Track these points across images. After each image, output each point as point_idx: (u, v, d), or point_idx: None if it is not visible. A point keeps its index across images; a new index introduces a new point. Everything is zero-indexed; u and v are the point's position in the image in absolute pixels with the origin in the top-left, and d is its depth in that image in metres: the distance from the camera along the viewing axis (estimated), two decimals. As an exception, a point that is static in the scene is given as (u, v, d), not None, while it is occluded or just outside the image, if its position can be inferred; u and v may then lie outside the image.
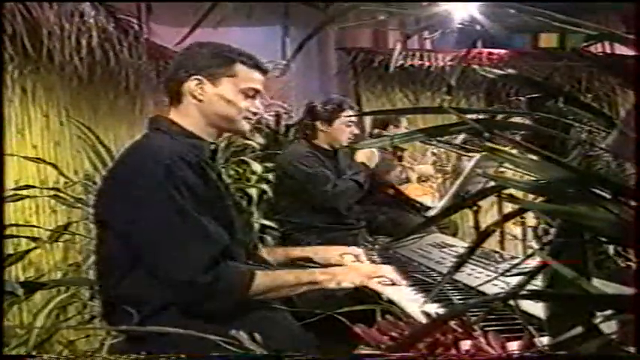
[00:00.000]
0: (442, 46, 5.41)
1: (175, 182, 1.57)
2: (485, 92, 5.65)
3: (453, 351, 0.73)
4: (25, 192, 2.69)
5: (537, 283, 0.67)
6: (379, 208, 3.69)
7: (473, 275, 1.74)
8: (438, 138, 3.00)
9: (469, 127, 0.68)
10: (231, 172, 3.53)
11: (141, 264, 1.61)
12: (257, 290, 1.65)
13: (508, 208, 2.66)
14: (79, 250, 3.01)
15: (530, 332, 0.75)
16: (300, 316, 1.74)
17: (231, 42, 1.85)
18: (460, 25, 1.01)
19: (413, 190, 3.95)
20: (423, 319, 0.98)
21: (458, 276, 1.69)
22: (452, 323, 0.76)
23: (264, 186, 3.51)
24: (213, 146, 1.81)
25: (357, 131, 3.33)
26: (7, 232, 2.57)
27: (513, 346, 0.77)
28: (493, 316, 1.19)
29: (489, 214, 3.74)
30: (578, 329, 0.59)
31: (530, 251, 2.57)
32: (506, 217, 0.83)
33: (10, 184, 2.74)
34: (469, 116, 0.74)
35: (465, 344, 0.75)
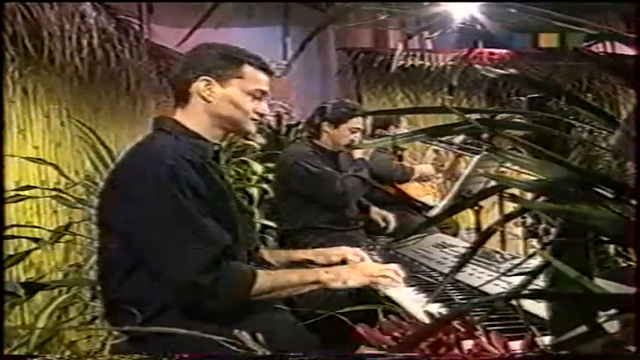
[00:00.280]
0: (443, 46, 5.41)
1: (179, 183, 1.57)
2: (485, 92, 5.65)
3: (456, 351, 0.73)
4: (26, 192, 2.69)
5: (539, 282, 0.67)
6: (380, 208, 3.69)
7: (474, 275, 1.74)
8: (439, 138, 3.00)
9: (471, 127, 0.68)
10: (232, 173, 3.52)
11: (143, 265, 1.61)
12: (260, 290, 1.64)
13: (509, 207, 2.66)
14: (79, 251, 3.01)
15: (532, 332, 0.75)
16: (302, 315, 1.74)
17: (231, 42, 1.85)
18: (461, 25, 1.01)
19: (414, 190, 3.95)
20: (426, 319, 0.98)
21: (459, 276, 1.69)
22: (454, 323, 0.76)
23: (265, 186, 3.51)
24: (216, 147, 1.81)
25: (360, 139, 3.31)
26: (9, 232, 2.57)
27: (516, 346, 0.77)
28: (495, 316, 1.19)
29: (490, 214, 3.74)
30: (582, 329, 0.59)
31: (531, 251, 2.57)
32: (508, 217, 0.83)
33: (11, 184, 2.75)
34: (470, 116, 0.74)
35: (468, 344, 0.75)
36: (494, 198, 2.75)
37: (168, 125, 1.76)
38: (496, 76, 0.79)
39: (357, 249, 2.20)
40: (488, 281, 1.57)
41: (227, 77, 1.76)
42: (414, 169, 3.98)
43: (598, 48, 0.84)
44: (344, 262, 2.08)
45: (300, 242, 3.00)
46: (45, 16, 2.89)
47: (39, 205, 2.97)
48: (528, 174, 0.67)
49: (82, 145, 3.18)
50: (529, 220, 2.15)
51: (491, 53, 5.37)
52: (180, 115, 1.78)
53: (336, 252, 2.16)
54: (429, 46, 5.52)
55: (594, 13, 0.78)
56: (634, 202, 0.62)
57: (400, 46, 4.05)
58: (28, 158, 2.86)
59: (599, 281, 0.64)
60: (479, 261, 1.92)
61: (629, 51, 0.72)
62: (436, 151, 4.16)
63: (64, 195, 2.85)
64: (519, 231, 2.75)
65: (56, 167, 2.95)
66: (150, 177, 1.59)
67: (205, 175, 1.65)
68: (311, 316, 1.62)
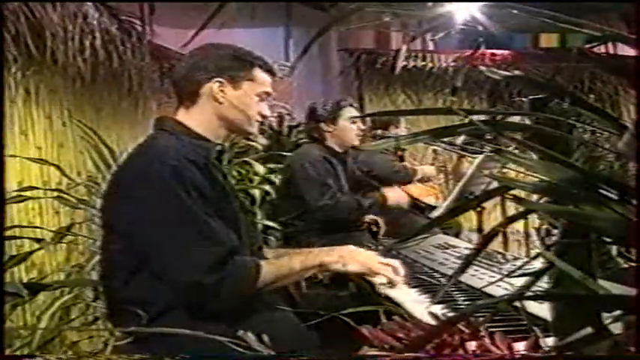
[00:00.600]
0: (444, 47, 5.41)
1: (183, 183, 1.57)
2: (487, 93, 5.65)
3: (460, 352, 0.73)
4: (28, 193, 2.69)
5: (541, 284, 0.67)
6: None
7: (476, 276, 1.74)
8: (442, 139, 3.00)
9: (475, 128, 0.68)
10: (234, 173, 3.52)
11: (146, 266, 1.60)
12: (265, 281, 1.64)
13: (512, 208, 2.66)
14: (82, 252, 3.01)
15: (536, 333, 0.75)
16: (304, 316, 1.74)
17: (234, 43, 1.85)
18: (462, 26, 1.01)
19: (415, 191, 3.95)
20: (430, 320, 0.99)
21: (461, 277, 1.69)
22: (459, 324, 0.76)
23: (267, 187, 3.51)
24: (219, 147, 1.81)
25: (363, 126, 3.30)
26: (11, 233, 2.57)
27: (520, 347, 0.77)
28: (498, 317, 1.19)
29: (492, 216, 3.74)
30: (586, 330, 0.59)
31: (533, 252, 2.56)
32: (511, 219, 0.83)
33: (13, 185, 2.75)
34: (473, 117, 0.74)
35: (472, 345, 0.75)
36: (497, 199, 2.75)
37: (170, 126, 1.76)
38: (500, 78, 0.79)
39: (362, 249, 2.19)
40: (492, 282, 1.57)
41: (240, 79, 1.75)
42: (416, 170, 3.98)
43: (599, 49, 0.84)
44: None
45: (304, 243, 3.00)
46: (48, 17, 2.89)
47: (41, 206, 2.97)
48: (531, 175, 0.67)
49: (84, 146, 3.18)
50: (537, 222, 2.15)
51: (493, 54, 5.37)
52: (182, 116, 1.78)
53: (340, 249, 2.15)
54: (431, 47, 5.52)
55: (595, 14, 0.78)
56: (635, 202, 0.63)
57: (404, 48, 4.04)
58: (30, 159, 2.86)
59: (602, 282, 0.64)
60: (481, 262, 1.92)
61: (631, 51, 0.72)
62: (434, 151, 4.16)
63: (66, 196, 2.85)
64: (521, 232, 2.75)
65: (58, 168, 2.95)
66: (153, 177, 1.59)
67: (209, 175, 1.65)
68: (313, 316, 1.62)
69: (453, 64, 5.40)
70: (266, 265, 1.67)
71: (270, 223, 3.33)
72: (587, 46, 0.77)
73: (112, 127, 3.60)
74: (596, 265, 0.66)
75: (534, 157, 0.70)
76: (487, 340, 0.75)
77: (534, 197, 0.73)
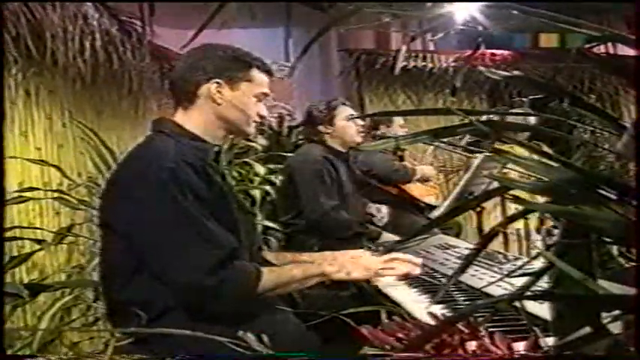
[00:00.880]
0: (444, 48, 5.41)
1: (180, 185, 1.57)
2: (487, 93, 5.64)
3: (460, 352, 0.73)
4: (28, 194, 2.69)
5: (541, 283, 0.67)
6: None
7: (476, 276, 1.74)
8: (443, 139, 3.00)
9: (475, 128, 0.68)
10: (234, 174, 3.53)
11: (145, 267, 1.61)
12: (265, 288, 1.64)
13: (512, 209, 2.66)
14: (82, 252, 3.01)
15: (535, 333, 0.75)
16: (304, 317, 1.74)
17: (233, 43, 1.85)
18: (462, 27, 1.01)
19: (415, 190, 3.95)
20: (429, 320, 0.99)
21: (461, 277, 1.69)
22: (458, 324, 0.76)
23: (267, 187, 3.51)
24: (217, 148, 1.81)
25: (362, 122, 3.29)
26: (11, 234, 2.58)
27: (519, 347, 0.77)
28: (498, 317, 1.19)
29: (492, 215, 3.74)
30: (586, 330, 0.59)
31: (534, 252, 2.57)
32: (511, 219, 0.83)
33: (13, 186, 2.75)
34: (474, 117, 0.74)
35: (472, 345, 0.75)
36: (497, 199, 2.75)
37: (167, 127, 1.75)
38: (500, 78, 0.79)
39: (361, 250, 2.20)
40: (492, 282, 1.57)
41: (237, 80, 1.75)
42: (416, 170, 3.98)
43: (599, 49, 0.84)
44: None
45: (305, 244, 3.00)
46: (48, 18, 2.89)
47: (41, 207, 2.97)
48: (532, 175, 0.67)
49: (85, 147, 3.18)
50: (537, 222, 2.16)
51: (493, 54, 5.36)
52: (180, 117, 1.77)
53: (341, 256, 2.15)
54: (431, 47, 5.52)
55: (594, 14, 0.78)
56: (636, 202, 0.63)
57: (403, 48, 4.05)
58: (30, 160, 2.87)
59: (602, 282, 0.64)
60: (481, 262, 1.92)
61: (630, 51, 0.73)
62: (434, 150, 4.17)
63: (66, 196, 2.86)
64: (522, 232, 2.75)
65: (59, 169, 2.95)
66: (151, 179, 1.59)
67: (206, 177, 1.65)
68: (313, 317, 1.62)
69: (453, 64, 5.40)
70: (267, 273, 1.67)
71: (271, 224, 3.33)
72: (587, 46, 0.77)
73: (113, 128, 3.60)
74: (596, 265, 0.66)
75: (534, 157, 0.70)
76: (487, 340, 0.76)
77: (540, 199, 0.74)
